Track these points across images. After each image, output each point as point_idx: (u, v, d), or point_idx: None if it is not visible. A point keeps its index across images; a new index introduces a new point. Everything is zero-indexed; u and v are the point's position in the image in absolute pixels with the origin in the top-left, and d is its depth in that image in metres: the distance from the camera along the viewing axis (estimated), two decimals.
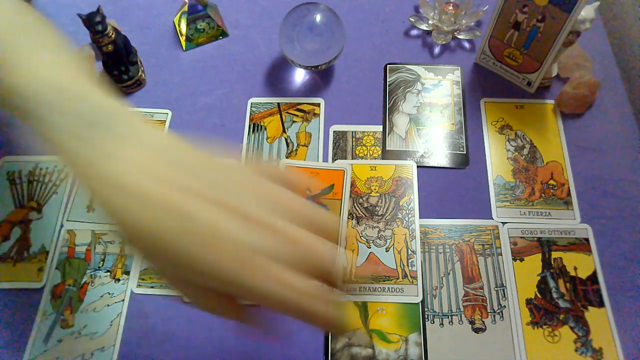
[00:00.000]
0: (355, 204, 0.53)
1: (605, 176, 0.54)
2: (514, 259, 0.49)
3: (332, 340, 0.46)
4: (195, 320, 0.48)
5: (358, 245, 0.51)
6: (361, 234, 0.51)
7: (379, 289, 0.48)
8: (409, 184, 0.53)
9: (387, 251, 0.50)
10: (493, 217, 0.52)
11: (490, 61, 0.60)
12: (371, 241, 0.51)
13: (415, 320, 0.47)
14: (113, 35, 0.56)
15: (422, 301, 0.48)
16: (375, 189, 0.53)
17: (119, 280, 0.50)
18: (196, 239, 0.25)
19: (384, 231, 0.51)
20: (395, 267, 0.49)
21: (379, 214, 0.52)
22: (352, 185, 0.54)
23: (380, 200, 0.53)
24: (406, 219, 0.52)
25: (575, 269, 0.49)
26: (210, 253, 0.25)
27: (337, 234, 0.29)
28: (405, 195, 0.53)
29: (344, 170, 0.54)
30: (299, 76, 0.62)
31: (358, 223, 0.52)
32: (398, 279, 0.49)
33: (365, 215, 0.52)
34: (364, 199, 0.53)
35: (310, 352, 0.46)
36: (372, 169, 0.55)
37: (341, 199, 0.53)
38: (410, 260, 0.50)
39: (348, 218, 0.52)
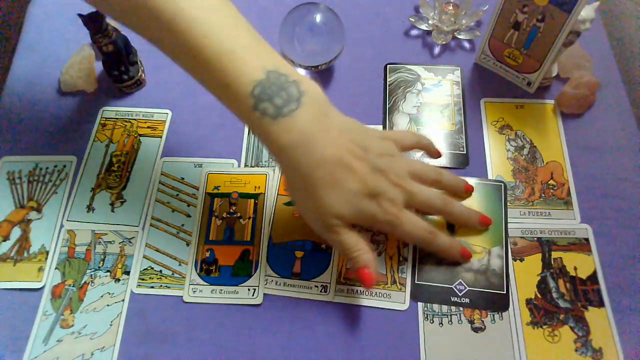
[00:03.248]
0: None
1: (605, 176, 0.54)
2: (514, 259, 0.49)
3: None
4: (195, 320, 0.48)
5: None
6: None
7: (367, 293, 0.48)
8: None
9: (378, 256, 0.50)
10: None
11: (490, 61, 0.60)
12: None
13: (499, 235, 0.50)
14: (113, 35, 0.56)
15: (505, 203, 0.52)
16: None
17: (119, 280, 0.50)
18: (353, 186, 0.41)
19: (377, 235, 0.51)
20: (385, 273, 0.49)
21: None
22: None
23: None
24: None
25: (575, 269, 0.49)
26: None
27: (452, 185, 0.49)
28: None
29: None
30: None
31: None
32: (387, 284, 0.49)
33: None
34: None
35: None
36: None
37: None
38: (400, 267, 0.49)
39: None
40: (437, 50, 0.63)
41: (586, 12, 0.50)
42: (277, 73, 0.40)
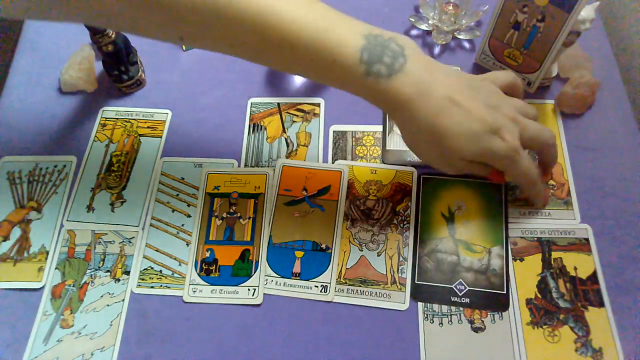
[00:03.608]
0: (351, 206, 0.53)
1: (605, 176, 0.54)
2: (514, 259, 0.49)
3: (419, 245, 0.51)
4: (195, 320, 0.48)
5: (350, 247, 0.51)
6: (354, 236, 0.51)
7: (367, 293, 0.48)
8: (407, 191, 0.53)
9: (378, 256, 0.50)
10: None
11: (490, 61, 0.60)
12: (364, 244, 0.51)
13: (499, 235, 0.50)
14: (113, 35, 0.56)
15: (505, 203, 0.52)
16: (373, 193, 0.53)
17: (119, 280, 0.50)
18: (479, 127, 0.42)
19: (377, 235, 0.51)
20: (385, 273, 0.49)
21: (375, 217, 0.52)
22: (351, 186, 0.54)
23: (377, 204, 0.53)
24: (401, 225, 0.51)
25: (575, 269, 0.49)
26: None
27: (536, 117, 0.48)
28: (402, 201, 0.53)
29: (341, 171, 0.54)
30: (299, 76, 0.62)
31: (352, 225, 0.52)
32: (387, 284, 0.49)
33: (361, 218, 0.52)
34: (361, 201, 0.53)
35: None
36: (372, 172, 0.54)
37: (337, 200, 0.53)
38: (400, 267, 0.50)
39: (343, 219, 0.52)
40: (437, 50, 0.63)
41: (586, 12, 0.50)
42: (374, 35, 0.41)
